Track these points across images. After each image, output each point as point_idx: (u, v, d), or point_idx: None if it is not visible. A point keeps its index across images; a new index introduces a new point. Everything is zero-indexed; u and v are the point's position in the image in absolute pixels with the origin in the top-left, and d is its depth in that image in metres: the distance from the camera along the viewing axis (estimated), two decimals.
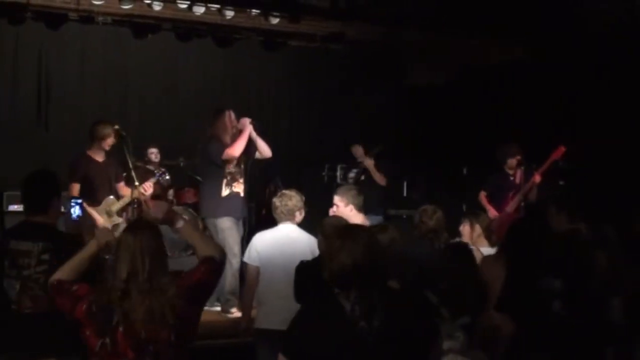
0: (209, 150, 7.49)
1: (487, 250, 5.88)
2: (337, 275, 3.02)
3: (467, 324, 4.04)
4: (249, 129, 7.46)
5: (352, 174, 9.12)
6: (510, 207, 8.29)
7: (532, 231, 4.52)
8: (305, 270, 4.94)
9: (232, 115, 7.61)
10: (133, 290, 3.31)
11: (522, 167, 8.30)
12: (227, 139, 7.49)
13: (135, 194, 7.57)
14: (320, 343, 2.94)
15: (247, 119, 7.55)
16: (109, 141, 7.40)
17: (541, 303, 4.11)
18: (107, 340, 3.27)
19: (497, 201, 8.47)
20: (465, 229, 6.32)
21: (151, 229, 3.52)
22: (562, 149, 8.15)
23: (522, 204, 8.25)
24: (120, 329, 3.27)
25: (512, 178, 8.48)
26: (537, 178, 8.22)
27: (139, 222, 3.78)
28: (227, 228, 7.33)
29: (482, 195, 8.64)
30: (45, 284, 3.94)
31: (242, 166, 7.58)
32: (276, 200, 5.77)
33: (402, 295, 3.13)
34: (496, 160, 8.62)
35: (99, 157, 7.39)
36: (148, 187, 7.68)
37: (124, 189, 7.68)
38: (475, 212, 6.60)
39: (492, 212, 8.08)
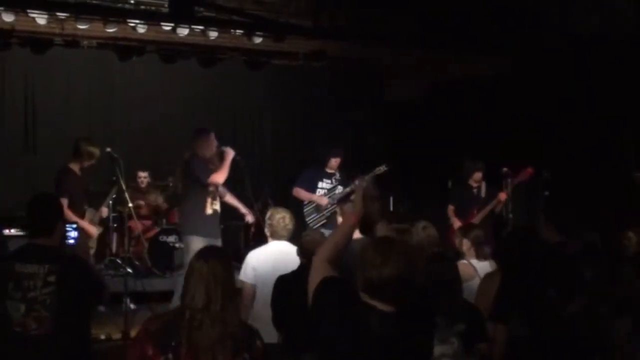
0: (194, 168, 7.43)
1: (475, 262, 5.98)
2: (376, 286, 3.10)
3: (462, 331, 4.10)
4: (231, 156, 7.51)
5: (338, 191, 8.94)
6: (475, 221, 8.44)
7: (524, 243, 4.63)
8: (285, 285, 5.06)
9: (213, 136, 7.63)
10: (206, 320, 3.25)
11: (485, 182, 8.53)
12: (209, 158, 7.50)
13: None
14: (340, 333, 3.08)
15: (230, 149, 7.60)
16: (92, 162, 7.58)
17: (536, 312, 4.22)
18: (170, 356, 3.20)
19: (463, 214, 8.65)
20: (457, 242, 6.38)
21: (223, 256, 3.46)
22: (530, 170, 8.36)
23: (508, 217, 8.42)
24: (184, 349, 3.21)
25: (475, 191, 8.68)
26: (503, 196, 8.43)
27: (211, 249, 3.62)
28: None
29: (450, 209, 8.83)
30: (51, 306, 4.01)
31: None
32: (280, 220, 5.79)
33: (413, 309, 3.25)
34: (461, 175, 8.83)
35: (78, 171, 7.55)
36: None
37: None
38: (467, 226, 6.65)
39: (457, 225, 8.17)
